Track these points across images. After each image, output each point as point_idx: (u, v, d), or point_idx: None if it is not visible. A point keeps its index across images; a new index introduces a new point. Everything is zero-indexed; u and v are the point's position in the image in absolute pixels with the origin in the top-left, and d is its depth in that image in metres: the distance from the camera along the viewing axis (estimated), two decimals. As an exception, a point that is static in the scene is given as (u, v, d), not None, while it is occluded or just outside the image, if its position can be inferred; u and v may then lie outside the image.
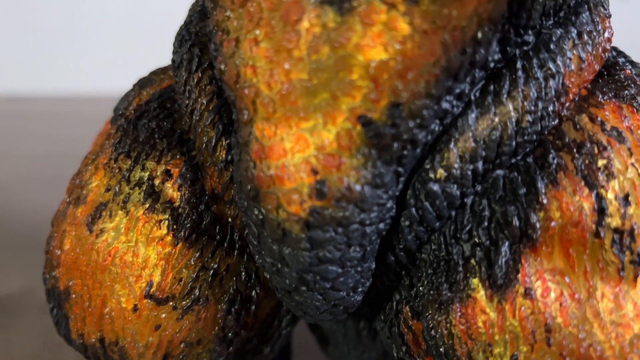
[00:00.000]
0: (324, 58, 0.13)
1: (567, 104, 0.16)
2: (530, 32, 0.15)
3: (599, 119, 0.16)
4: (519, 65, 0.15)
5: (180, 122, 0.18)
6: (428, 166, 0.15)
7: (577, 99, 0.16)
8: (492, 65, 0.15)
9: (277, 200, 0.14)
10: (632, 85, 0.17)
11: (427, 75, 0.13)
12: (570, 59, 0.15)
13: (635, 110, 0.17)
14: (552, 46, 0.15)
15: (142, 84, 0.20)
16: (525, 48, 0.15)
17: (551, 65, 0.15)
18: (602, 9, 0.17)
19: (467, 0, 0.13)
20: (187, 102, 0.17)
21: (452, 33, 0.13)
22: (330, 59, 0.13)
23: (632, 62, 0.18)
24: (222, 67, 0.15)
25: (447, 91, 0.14)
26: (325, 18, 0.13)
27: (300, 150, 0.14)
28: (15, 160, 0.48)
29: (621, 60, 0.18)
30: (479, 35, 0.14)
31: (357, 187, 0.14)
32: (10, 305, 0.31)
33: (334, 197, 0.14)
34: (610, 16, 0.17)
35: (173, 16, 0.57)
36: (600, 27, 0.16)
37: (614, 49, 0.19)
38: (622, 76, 0.17)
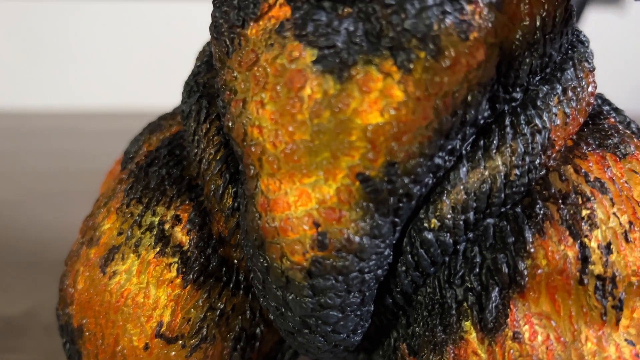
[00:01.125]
0: (325, 122, 0.14)
1: (554, 155, 0.17)
2: (518, 89, 0.16)
3: (583, 170, 0.17)
4: (507, 121, 0.16)
5: (189, 168, 0.19)
6: (423, 216, 0.16)
7: (563, 149, 0.17)
8: (482, 121, 0.16)
9: (281, 250, 0.15)
10: (616, 134, 0.18)
11: (420, 137, 0.14)
12: (555, 115, 0.16)
13: (618, 158, 0.18)
14: (538, 103, 0.16)
15: (151, 129, 0.21)
16: (513, 104, 0.16)
17: (537, 121, 0.16)
18: (586, 64, 0.18)
19: (458, 68, 0.14)
20: (196, 150, 0.18)
21: (443, 99, 0.14)
22: (331, 122, 0.14)
23: (616, 110, 0.20)
24: (230, 124, 0.16)
25: (439, 149, 0.15)
26: (326, 86, 0.14)
27: (303, 204, 0.15)
28: (18, 177, 0.48)
29: (605, 108, 0.19)
30: (469, 98, 0.15)
31: (357, 239, 0.15)
32: (15, 326, 0.31)
33: (335, 247, 0.15)
34: (594, 69, 0.18)
35: (174, 34, 0.59)
36: (584, 83, 0.17)
37: (599, 96, 0.20)
38: (606, 125, 0.18)
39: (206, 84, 0.19)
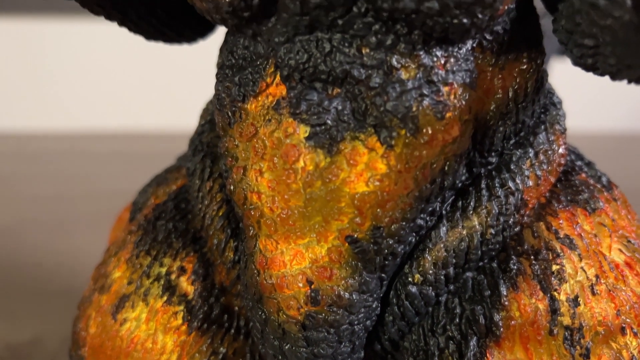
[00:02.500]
0: (317, 190, 0.16)
1: (527, 213, 0.18)
2: (493, 154, 0.18)
3: (553, 227, 0.18)
4: (483, 184, 0.18)
5: (193, 221, 0.21)
6: (407, 271, 0.18)
7: (536, 206, 0.19)
8: (459, 184, 0.18)
9: (277, 304, 0.17)
10: (586, 189, 0.20)
11: (402, 204, 0.16)
12: (528, 177, 0.18)
13: (588, 213, 0.19)
14: (512, 166, 0.18)
15: (158, 181, 0.23)
16: (489, 167, 0.18)
17: (511, 184, 0.18)
18: (557, 127, 0.19)
19: (435, 143, 0.16)
20: (200, 206, 0.20)
21: (422, 170, 0.16)
22: (322, 191, 0.16)
23: (588, 164, 0.21)
24: (232, 188, 0.18)
25: (420, 212, 0.17)
26: (317, 159, 0.16)
27: (298, 263, 0.17)
28: (20, 202, 0.48)
29: (578, 164, 0.21)
30: (446, 168, 0.16)
31: (346, 295, 0.16)
32: (22, 354, 0.32)
33: (327, 303, 0.16)
34: (565, 131, 0.20)
35: (177, 56, 0.60)
36: (555, 146, 0.19)
37: (572, 151, 0.21)
38: (577, 181, 0.20)
39: (210, 143, 0.21)
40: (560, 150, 0.19)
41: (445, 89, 0.16)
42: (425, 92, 0.16)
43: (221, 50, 0.19)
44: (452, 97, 0.16)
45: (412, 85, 0.16)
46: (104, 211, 0.49)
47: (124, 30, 0.20)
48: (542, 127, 0.19)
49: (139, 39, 0.20)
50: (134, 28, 0.20)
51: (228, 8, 0.16)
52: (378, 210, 0.16)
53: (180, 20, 0.20)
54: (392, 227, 0.16)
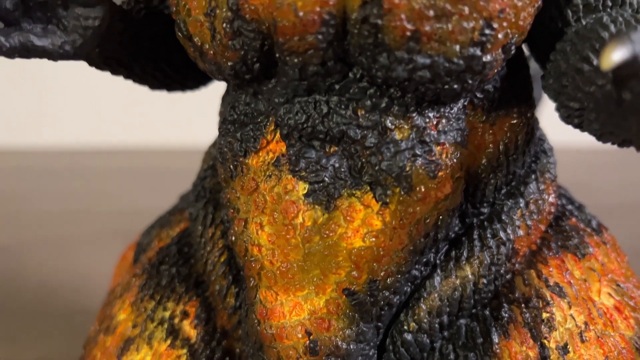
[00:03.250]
0: (315, 245, 0.17)
1: (519, 260, 0.19)
2: (485, 204, 0.19)
3: (544, 275, 0.19)
4: (475, 235, 0.18)
5: (196, 265, 0.21)
6: (403, 319, 0.18)
7: (527, 253, 0.19)
8: (452, 235, 0.18)
9: (277, 353, 0.17)
10: (576, 235, 0.20)
11: (397, 258, 0.17)
12: (518, 227, 0.19)
13: (577, 258, 0.20)
14: (503, 217, 0.19)
15: (162, 223, 0.23)
16: (481, 217, 0.19)
17: (502, 234, 0.18)
18: (548, 175, 0.20)
19: (428, 200, 0.17)
20: (202, 252, 0.21)
21: (416, 226, 0.17)
22: (320, 245, 0.17)
23: (578, 207, 0.22)
24: (233, 239, 0.18)
25: (415, 263, 0.17)
26: (315, 215, 0.17)
27: (297, 314, 0.17)
28: (24, 220, 0.48)
29: (569, 208, 0.21)
30: (439, 222, 0.17)
31: (344, 345, 0.17)
32: None
33: (325, 353, 0.17)
34: (555, 178, 0.21)
35: None
36: (545, 195, 0.20)
37: (563, 194, 0.22)
38: (567, 227, 0.21)
39: (212, 189, 0.22)
40: (551, 199, 0.20)
41: (437, 149, 0.17)
42: (418, 152, 0.16)
43: (223, 99, 0.20)
44: (444, 156, 0.17)
45: (405, 146, 0.16)
46: (108, 229, 0.49)
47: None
48: (533, 176, 0.20)
49: None
50: (139, 80, 0.21)
51: (230, 71, 0.17)
52: (374, 264, 0.17)
53: (183, 72, 0.21)
54: (388, 280, 0.17)
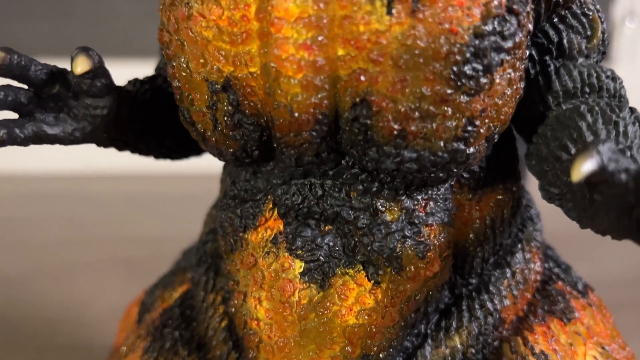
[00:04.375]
0: (311, 322, 0.18)
1: (506, 327, 0.20)
2: (473, 275, 0.20)
3: (530, 343, 0.20)
4: (464, 306, 0.19)
5: (198, 328, 0.22)
6: None
7: (514, 320, 0.20)
8: (442, 306, 0.19)
9: (276, 423, 0.18)
10: (562, 299, 0.21)
11: (389, 334, 0.18)
12: (505, 297, 0.20)
13: (564, 323, 0.21)
14: (490, 287, 0.20)
15: (165, 283, 0.24)
16: (470, 288, 0.20)
17: (489, 305, 0.19)
18: (534, 243, 0.21)
19: (418, 278, 0.18)
20: (204, 316, 0.22)
21: (407, 303, 0.18)
22: (316, 322, 0.18)
23: (565, 270, 0.23)
24: (233, 310, 0.19)
25: (406, 336, 0.18)
26: (311, 294, 0.18)
27: (294, 386, 0.18)
28: (27, 248, 0.47)
29: (555, 271, 0.22)
30: (429, 297, 0.18)
31: None
32: None
33: (320, 423, 0.18)
34: (541, 245, 0.22)
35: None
36: (531, 264, 0.21)
37: (551, 257, 0.23)
38: (553, 291, 0.21)
39: (213, 254, 0.23)
40: (537, 268, 0.21)
41: (425, 230, 0.18)
42: (407, 233, 0.17)
43: (224, 169, 0.21)
44: (432, 236, 0.18)
45: (395, 227, 0.17)
46: (109, 257, 0.49)
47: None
48: (519, 245, 0.21)
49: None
50: (144, 154, 0.22)
51: (231, 157, 0.18)
52: (367, 340, 0.18)
53: (186, 146, 0.22)
54: (381, 354, 0.18)
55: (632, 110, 0.18)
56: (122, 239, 0.51)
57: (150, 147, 0.21)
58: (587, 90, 0.18)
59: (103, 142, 0.19)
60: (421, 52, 0.15)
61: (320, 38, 0.15)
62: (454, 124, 0.16)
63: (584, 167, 0.13)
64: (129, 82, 0.20)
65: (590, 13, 0.19)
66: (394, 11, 0.14)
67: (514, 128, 0.20)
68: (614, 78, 0.19)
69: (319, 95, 0.15)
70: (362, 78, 0.15)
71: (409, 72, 0.15)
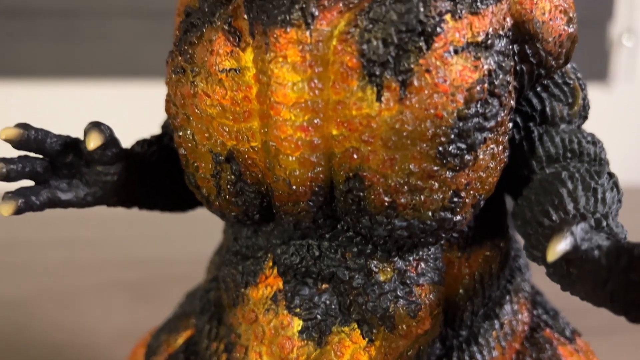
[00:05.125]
0: None
1: None
2: (463, 327, 0.21)
3: None
4: (455, 357, 0.20)
5: None
6: None
7: None
8: (434, 358, 0.20)
9: None
10: (549, 347, 0.22)
11: (383, 388, 0.19)
12: (494, 348, 0.21)
13: (551, 373, 0.22)
14: (479, 339, 0.21)
15: (170, 328, 0.25)
16: (460, 339, 0.21)
17: (479, 357, 0.20)
18: (522, 294, 0.22)
19: (410, 335, 0.19)
20: None
21: (399, 359, 0.19)
22: None
23: (553, 316, 0.24)
24: (235, 364, 0.20)
25: None
26: (309, 351, 0.19)
27: None
28: (32, 271, 0.48)
29: (543, 318, 0.23)
30: (421, 352, 0.19)
31: None
32: None
33: None
34: (529, 296, 0.23)
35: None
36: (519, 315, 0.22)
37: (540, 303, 0.24)
38: (541, 339, 0.22)
39: (216, 302, 0.24)
40: (524, 318, 0.22)
41: (417, 290, 0.19)
42: (400, 293, 0.18)
43: (227, 221, 0.22)
44: (423, 296, 0.19)
45: (388, 288, 0.18)
46: (113, 280, 0.49)
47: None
48: (508, 297, 0.22)
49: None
50: (151, 210, 0.23)
51: (234, 219, 0.19)
52: (362, 392, 0.19)
53: (192, 200, 0.23)
54: (375, 406, 0.19)
55: (611, 175, 0.19)
56: (125, 261, 0.51)
57: (157, 204, 0.22)
58: (569, 155, 0.19)
59: (113, 204, 0.20)
60: (409, 134, 0.16)
61: (315, 120, 0.16)
62: (441, 196, 0.17)
63: (559, 247, 0.14)
64: (137, 143, 0.22)
65: (571, 82, 0.20)
66: (383, 98, 0.16)
67: (502, 187, 0.21)
68: (594, 142, 0.20)
69: (315, 170, 0.17)
70: (355, 156, 0.16)
71: (398, 151, 0.16)
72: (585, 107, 0.20)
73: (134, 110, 0.61)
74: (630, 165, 0.70)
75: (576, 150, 0.19)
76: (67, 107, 0.63)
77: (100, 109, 0.62)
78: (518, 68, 0.18)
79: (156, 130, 0.22)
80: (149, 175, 0.21)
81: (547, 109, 0.19)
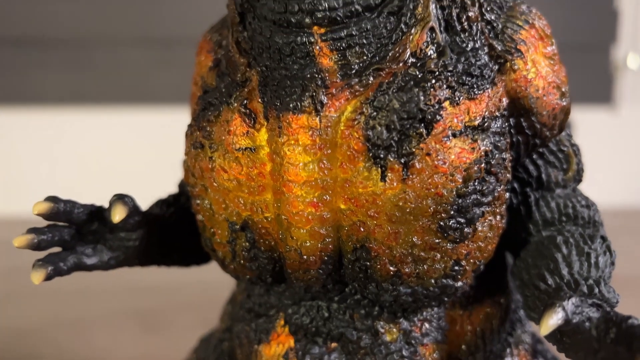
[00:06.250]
0: None
1: None
2: None
3: None
4: None
5: None
6: None
7: None
8: None
9: None
10: None
11: None
12: None
13: None
14: None
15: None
16: None
17: None
18: (522, 346, 0.23)
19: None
20: None
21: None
22: None
23: None
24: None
25: None
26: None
27: None
28: (41, 298, 0.48)
29: None
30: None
31: None
32: None
33: None
34: (529, 346, 0.24)
35: (170, 143, 0.61)
36: None
37: (540, 353, 0.25)
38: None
39: (230, 354, 0.25)
40: None
41: (421, 349, 0.20)
42: (405, 353, 0.20)
43: (241, 282, 0.23)
44: (427, 354, 0.20)
45: (394, 348, 0.19)
46: (123, 308, 0.50)
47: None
48: (508, 349, 0.23)
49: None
50: (169, 266, 0.24)
51: (248, 282, 0.20)
52: None
53: (206, 256, 0.24)
54: None
55: (604, 238, 0.20)
56: (136, 289, 0.51)
57: (175, 261, 0.23)
58: (564, 219, 0.20)
59: (134, 265, 0.22)
60: (411, 211, 0.17)
61: (325, 197, 0.17)
62: (443, 265, 0.18)
63: (551, 321, 0.15)
64: (156, 203, 0.23)
65: (566, 148, 0.21)
66: (387, 178, 0.17)
67: (502, 246, 0.22)
68: (588, 205, 0.21)
69: (325, 241, 0.18)
70: (362, 229, 0.17)
71: (402, 225, 0.17)
72: (580, 171, 0.21)
73: (143, 136, 0.63)
74: (635, 187, 0.71)
75: (571, 214, 0.20)
76: (80, 134, 0.64)
77: (112, 135, 0.63)
78: (514, 139, 0.19)
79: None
80: (168, 237, 0.22)
81: (543, 175, 0.21)
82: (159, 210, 0.22)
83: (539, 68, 0.19)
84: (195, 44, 0.22)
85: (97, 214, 0.20)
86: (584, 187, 0.21)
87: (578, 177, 0.21)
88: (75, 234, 0.20)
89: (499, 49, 0.18)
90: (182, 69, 0.64)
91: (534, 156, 0.21)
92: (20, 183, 0.65)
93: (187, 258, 0.24)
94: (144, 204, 0.21)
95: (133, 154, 0.63)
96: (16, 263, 0.55)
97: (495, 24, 0.18)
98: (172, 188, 0.23)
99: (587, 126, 0.68)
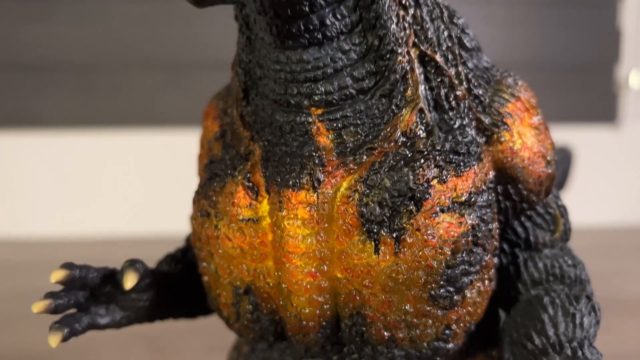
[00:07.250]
0: None
1: None
2: None
3: None
4: None
5: None
6: None
7: None
8: None
9: None
10: None
11: None
12: None
13: None
14: None
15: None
16: None
17: None
18: None
19: None
20: None
21: None
22: None
23: None
24: None
25: None
26: None
27: None
28: (47, 324, 0.47)
29: None
30: None
31: None
32: None
33: None
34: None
35: (168, 163, 0.62)
36: None
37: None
38: None
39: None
40: None
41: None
42: None
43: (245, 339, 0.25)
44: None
45: None
46: (130, 331, 0.50)
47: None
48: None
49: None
50: (177, 318, 0.25)
51: (251, 340, 0.21)
52: None
53: (208, 309, 0.25)
54: None
55: (589, 298, 0.21)
56: None
57: (183, 314, 0.25)
58: (551, 279, 0.21)
59: (145, 321, 0.23)
60: (404, 281, 0.18)
61: (323, 267, 0.19)
62: (434, 330, 0.19)
63: None
64: (165, 259, 0.24)
65: (552, 210, 0.22)
66: (380, 251, 0.18)
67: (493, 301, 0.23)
68: (575, 265, 0.22)
69: (323, 308, 0.19)
70: (357, 297, 0.19)
71: (395, 294, 0.18)
72: (567, 231, 0.22)
73: (152, 159, 0.64)
74: (638, 206, 0.71)
75: (557, 274, 0.21)
76: (89, 156, 0.65)
77: (121, 157, 0.65)
78: (503, 205, 0.21)
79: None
80: (177, 293, 0.23)
81: (531, 237, 0.22)
82: (167, 268, 0.24)
83: (524, 139, 0.20)
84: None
85: (110, 276, 0.21)
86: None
87: (565, 237, 0.22)
88: (89, 296, 0.21)
89: (487, 122, 0.19)
90: (190, 92, 0.66)
91: (522, 218, 0.22)
92: (28, 206, 0.66)
93: (195, 310, 0.25)
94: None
95: (141, 176, 0.64)
96: (23, 288, 0.56)
97: (482, 98, 0.20)
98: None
99: (590, 145, 0.69)
